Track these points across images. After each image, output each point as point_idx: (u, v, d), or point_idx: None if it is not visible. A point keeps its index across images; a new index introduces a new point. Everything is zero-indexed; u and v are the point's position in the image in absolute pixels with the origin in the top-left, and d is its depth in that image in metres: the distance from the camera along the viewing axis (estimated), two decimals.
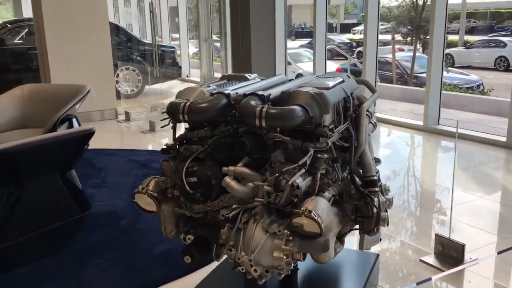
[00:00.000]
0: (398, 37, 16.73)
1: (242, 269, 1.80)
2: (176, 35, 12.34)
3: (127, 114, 7.10)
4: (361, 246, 2.10)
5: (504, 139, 5.39)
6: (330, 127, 1.86)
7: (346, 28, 30.49)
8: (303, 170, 1.78)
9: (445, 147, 5.83)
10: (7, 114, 4.59)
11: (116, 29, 9.68)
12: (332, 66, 13.93)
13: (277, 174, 1.74)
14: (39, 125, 4.32)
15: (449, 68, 12.98)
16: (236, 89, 2.00)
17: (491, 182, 4.53)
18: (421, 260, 3.02)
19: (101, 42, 6.93)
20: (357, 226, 2.09)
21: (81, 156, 4.90)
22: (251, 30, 8.00)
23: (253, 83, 2.20)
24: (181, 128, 2.09)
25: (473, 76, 12.23)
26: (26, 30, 8.90)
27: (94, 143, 5.65)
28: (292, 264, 1.79)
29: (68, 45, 6.68)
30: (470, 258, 2.97)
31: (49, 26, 6.57)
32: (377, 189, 2.06)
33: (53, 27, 6.60)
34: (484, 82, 11.84)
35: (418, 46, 14.97)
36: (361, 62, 8.04)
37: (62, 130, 3.23)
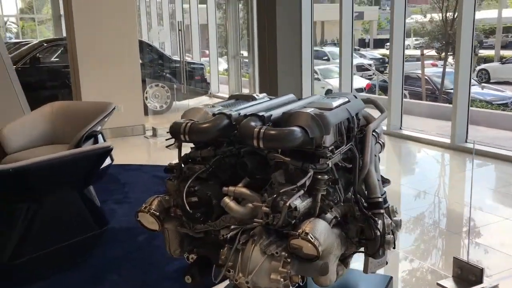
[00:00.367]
0: (430, 52, 16.47)
1: None
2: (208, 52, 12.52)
3: (154, 130, 7.23)
4: (365, 269, 2.07)
5: None
6: (331, 148, 1.85)
7: (379, 44, 30.27)
8: (301, 192, 1.77)
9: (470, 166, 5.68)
10: (37, 131, 4.74)
11: (147, 47, 9.91)
12: (362, 82, 13.85)
13: (275, 195, 1.74)
14: (66, 141, 4.45)
15: (484, 84, 12.68)
16: (240, 109, 2.02)
17: None
18: (438, 284, 2.93)
19: (130, 60, 7.10)
20: (362, 249, 2.06)
21: (105, 171, 5.03)
22: (277, 46, 8.04)
23: (259, 103, 2.21)
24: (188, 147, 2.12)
25: (508, 92, 11.90)
26: (62, 48, 9.20)
27: (120, 159, 5.80)
28: (291, 287, 1.77)
29: (98, 63, 6.87)
30: (490, 284, 2.87)
31: (80, 45, 6.78)
32: (382, 211, 2.02)
33: (84, 46, 6.80)
34: None
35: (452, 60, 14.70)
36: None
37: (79, 148, 3.31)
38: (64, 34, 8.37)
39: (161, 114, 8.52)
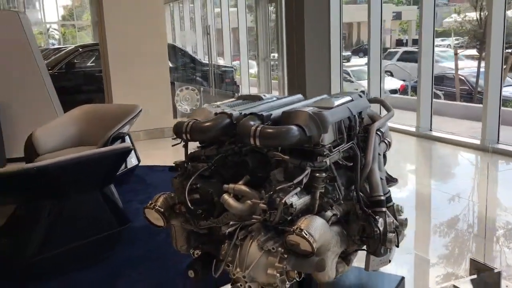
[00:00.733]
0: (464, 52, 16.06)
1: (241, 285, 1.83)
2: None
3: None
4: (366, 266, 2.08)
5: None
6: (330, 146, 1.87)
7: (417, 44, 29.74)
8: (298, 189, 1.79)
9: (503, 168, 5.53)
10: (67, 133, 4.92)
11: (179, 52, 10.11)
12: (396, 83, 13.65)
13: (271, 192, 1.78)
14: (95, 143, 4.60)
15: None
16: (243, 109, 2.06)
17: None
18: (454, 286, 2.89)
19: (160, 64, 7.26)
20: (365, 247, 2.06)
21: (132, 172, 5.17)
22: (305, 48, 8.04)
23: (264, 103, 2.25)
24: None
25: None
26: (97, 53, 9.49)
27: (147, 160, 5.94)
28: (288, 283, 1.80)
29: (129, 67, 7.05)
30: (507, 286, 2.80)
31: (111, 50, 6.99)
32: (384, 209, 2.03)
33: (115, 51, 7.00)
34: None
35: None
36: None
37: (99, 148, 3.43)
38: None
39: None
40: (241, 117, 1.93)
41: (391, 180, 2.37)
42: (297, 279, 1.81)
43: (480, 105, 9.42)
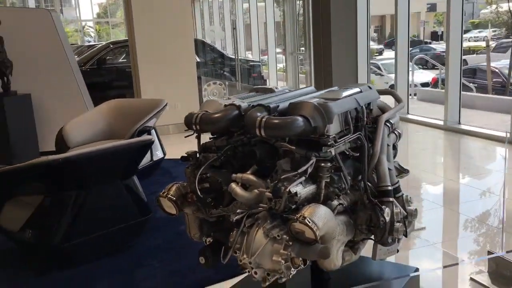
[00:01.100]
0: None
1: (248, 271, 1.89)
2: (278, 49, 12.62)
3: None
4: (374, 255, 2.10)
5: None
6: (333, 136, 1.90)
7: None
8: (303, 178, 1.84)
9: None
10: (95, 127, 5.09)
11: (208, 47, 10.23)
12: (428, 76, 13.43)
13: (276, 181, 1.83)
14: (122, 137, 4.75)
15: None
16: (253, 101, 2.11)
17: None
18: (471, 278, 2.88)
19: (187, 60, 7.38)
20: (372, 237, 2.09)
21: (158, 165, 5.29)
22: (331, 42, 8.02)
23: (275, 95, 2.29)
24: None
25: None
26: (127, 49, 9.70)
27: (175, 153, 6.05)
28: (293, 269, 1.84)
29: (157, 63, 7.20)
30: None
31: (140, 46, 7.15)
32: (391, 199, 2.05)
33: (143, 47, 7.16)
34: None
35: None
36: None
37: (121, 141, 3.55)
38: None
39: None
40: (249, 108, 1.98)
41: (402, 171, 2.39)
42: (302, 266, 1.85)
43: (507, 98, 9.22)
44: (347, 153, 2.03)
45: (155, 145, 5.23)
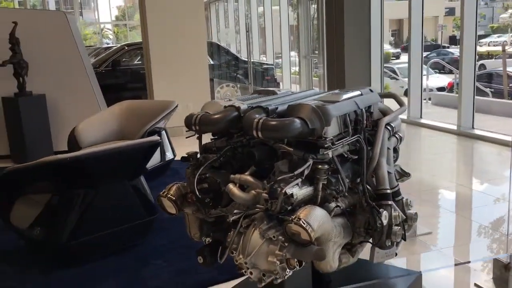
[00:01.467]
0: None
1: (244, 271, 1.90)
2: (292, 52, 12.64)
3: None
4: (371, 258, 2.10)
5: None
6: (331, 139, 1.91)
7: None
8: (299, 180, 1.85)
9: None
10: (107, 127, 5.15)
11: (222, 50, 10.29)
12: (444, 80, 13.31)
13: (272, 182, 1.84)
14: (132, 137, 4.80)
15: None
16: (253, 103, 2.13)
17: None
18: (475, 285, 2.85)
19: (199, 62, 7.44)
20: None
21: (168, 166, 5.33)
22: (345, 46, 8.00)
23: (277, 97, 2.31)
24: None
25: None
26: (142, 52, 9.80)
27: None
28: (288, 270, 1.85)
29: (169, 65, 7.27)
30: None
31: (153, 49, 7.22)
32: (389, 202, 2.05)
33: (157, 49, 7.23)
34: None
35: None
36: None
37: (129, 141, 3.59)
38: None
39: None
40: (249, 110, 2.00)
41: (403, 175, 2.38)
42: (298, 267, 1.86)
43: None
44: (346, 155, 2.04)
45: (165, 146, 5.28)
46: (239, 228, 1.92)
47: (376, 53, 8.19)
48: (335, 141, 1.94)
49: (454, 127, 6.73)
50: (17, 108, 6.00)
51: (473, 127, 6.60)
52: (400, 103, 2.39)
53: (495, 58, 17.43)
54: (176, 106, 5.18)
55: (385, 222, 1.99)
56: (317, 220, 1.79)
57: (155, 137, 3.46)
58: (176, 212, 2.16)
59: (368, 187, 2.08)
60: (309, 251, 1.81)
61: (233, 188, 1.93)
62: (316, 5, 9.44)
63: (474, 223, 3.81)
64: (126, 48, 9.78)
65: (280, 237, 1.83)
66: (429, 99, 10.54)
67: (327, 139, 1.89)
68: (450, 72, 14.06)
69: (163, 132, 5.26)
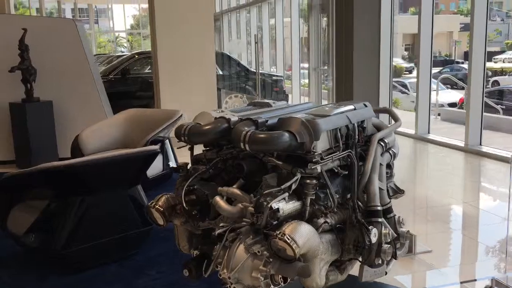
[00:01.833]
0: None
1: (228, 286, 1.87)
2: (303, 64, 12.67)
3: None
4: (360, 276, 2.06)
5: None
6: (321, 153, 1.87)
7: (487, 56, 28.55)
8: (286, 194, 1.82)
9: None
10: (111, 135, 5.16)
11: (231, 61, 10.33)
12: (455, 96, 13.20)
13: (258, 196, 1.81)
14: (135, 146, 4.80)
15: None
16: (245, 115, 2.11)
17: None
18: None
19: (207, 72, 7.45)
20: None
21: (170, 175, 5.31)
22: (353, 59, 7.99)
23: (270, 110, 2.29)
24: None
25: None
26: (152, 60, 9.85)
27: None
28: (273, 286, 1.81)
29: (177, 75, 7.29)
30: None
31: (161, 58, 7.25)
32: (379, 219, 2.01)
33: (165, 59, 7.26)
34: None
35: None
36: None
37: (126, 150, 3.58)
38: None
39: None
40: (238, 121, 1.98)
41: (397, 191, 2.34)
42: (282, 284, 1.83)
43: None
44: (336, 170, 2.00)
45: (168, 155, 5.27)
46: (225, 242, 1.89)
47: (385, 67, 8.16)
48: (325, 156, 1.91)
49: (462, 144, 6.65)
50: (24, 114, 6.05)
51: (480, 144, 6.51)
52: (395, 119, 2.36)
53: (508, 75, 17.27)
54: (181, 116, 5.17)
55: (374, 239, 1.95)
56: (302, 236, 1.76)
57: (153, 147, 3.45)
58: (164, 223, 2.14)
59: (359, 203, 2.04)
60: (294, 268, 1.78)
61: (219, 201, 1.91)
62: (327, 18, 9.43)
63: (473, 241, 3.73)
64: (136, 56, 9.84)
65: (265, 252, 1.80)
66: (438, 114, 10.44)
67: (316, 153, 1.87)
68: (463, 88, 13.93)
69: (167, 141, 5.26)
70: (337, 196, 1.97)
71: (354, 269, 2.18)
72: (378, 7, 7.95)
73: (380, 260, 2.01)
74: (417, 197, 4.87)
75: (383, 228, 2.00)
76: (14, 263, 3.47)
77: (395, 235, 2.07)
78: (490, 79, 19.21)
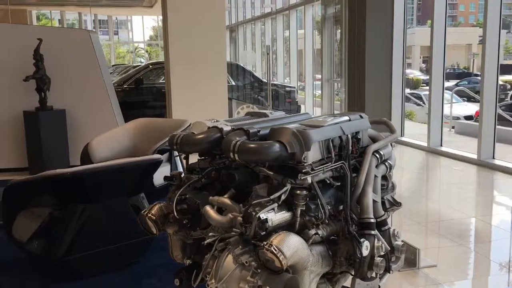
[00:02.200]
0: None
1: None
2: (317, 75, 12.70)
3: None
4: None
5: None
6: (309, 164, 1.86)
7: (506, 69, 28.19)
8: (275, 205, 1.81)
9: None
10: (121, 144, 5.20)
11: (245, 72, 10.38)
12: (471, 109, 13.04)
13: (247, 206, 1.80)
14: (143, 155, 4.84)
15: None
16: (238, 125, 2.11)
17: None
18: None
19: (218, 82, 7.47)
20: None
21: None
22: (366, 72, 7.98)
23: (267, 120, 2.28)
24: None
25: None
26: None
27: None
28: None
29: (188, 85, 7.33)
30: None
31: (173, 68, 7.30)
32: (373, 232, 1.98)
33: (177, 68, 7.31)
34: None
35: None
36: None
37: (129, 158, 3.61)
38: None
39: None
40: (231, 131, 1.98)
41: (394, 204, 2.31)
42: None
43: None
44: (328, 181, 1.99)
45: (176, 164, 5.29)
46: (214, 252, 1.88)
47: (398, 79, 8.12)
48: (316, 167, 1.89)
49: (475, 157, 6.56)
50: (37, 122, 6.14)
51: (493, 157, 6.41)
52: (392, 130, 2.33)
53: None
54: (189, 125, 5.20)
55: (366, 252, 1.92)
56: (290, 247, 1.75)
57: (156, 156, 3.47)
58: (157, 232, 2.15)
59: (353, 215, 2.02)
60: (281, 279, 1.76)
61: (209, 210, 1.91)
62: (340, 30, 9.44)
63: (481, 257, 3.66)
64: (151, 66, 9.93)
65: (253, 263, 1.78)
66: (453, 127, 10.32)
67: (307, 164, 1.85)
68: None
69: (175, 151, 5.29)
70: (329, 207, 1.95)
71: (348, 282, 2.15)
72: (390, 19, 7.94)
73: (374, 273, 1.98)
74: (425, 210, 4.81)
75: (376, 241, 1.97)
76: (18, 269, 3.51)
77: (389, 248, 2.04)
78: (509, 92, 18.96)
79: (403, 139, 8.13)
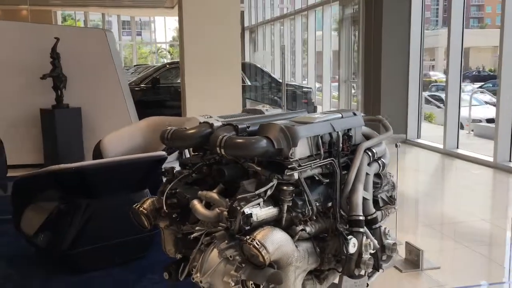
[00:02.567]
0: None
1: None
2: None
3: None
4: (339, 287, 2.01)
5: None
6: (296, 160, 1.86)
7: None
8: (260, 200, 1.81)
9: None
10: (132, 141, 5.26)
11: (262, 72, 10.40)
12: (490, 112, 12.82)
13: (232, 201, 1.81)
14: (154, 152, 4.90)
15: None
16: (230, 121, 2.12)
17: None
18: None
19: (233, 82, 7.49)
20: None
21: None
22: (381, 73, 7.92)
23: (259, 117, 2.29)
24: None
25: None
26: None
27: None
28: None
29: (202, 84, 7.37)
30: None
31: (188, 67, 7.35)
32: (361, 230, 1.96)
33: (192, 68, 7.35)
34: None
35: None
36: None
37: (134, 155, 3.66)
38: None
39: None
40: (220, 127, 1.99)
41: (388, 203, 2.28)
42: None
43: None
44: (317, 178, 1.98)
45: None
46: (200, 246, 1.90)
47: (415, 81, 8.03)
48: (303, 163, 1.89)
49: (491, 159, 6.44)
50: (53, 119, 6.27)
51: (510, 160, 6.29)
52: (387, 128, 2.31)
53: None
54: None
55: (353, 250, 1.90)
56: (274, 242, 1.75)
57: (159, 152, 3.50)
58: (148, 226, 2.17)
59: (342, 212, 2.01)
60: (264, 274, 1.76)
61: (196, 204, 1.92)
62: (357, 31, 9.39)
63: (487, 260, 3.59)
64: (168, 66, 10.02)
65: (237, 258, 1.79)
66: (472, 130, 10.16)
67: (293, 160, 1.85)
68: None
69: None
70: (317, 204, 1.95)
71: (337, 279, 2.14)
72: (408, 21, 7.87)
73: (363, 271, 1.96)
74: (435, 212, 4.74)
75: (364, 239, 1.95)
76: (26, 262, 3.58)
77: (378, 246, 2.02)
78: None
79: (419, 141, 8.04)
